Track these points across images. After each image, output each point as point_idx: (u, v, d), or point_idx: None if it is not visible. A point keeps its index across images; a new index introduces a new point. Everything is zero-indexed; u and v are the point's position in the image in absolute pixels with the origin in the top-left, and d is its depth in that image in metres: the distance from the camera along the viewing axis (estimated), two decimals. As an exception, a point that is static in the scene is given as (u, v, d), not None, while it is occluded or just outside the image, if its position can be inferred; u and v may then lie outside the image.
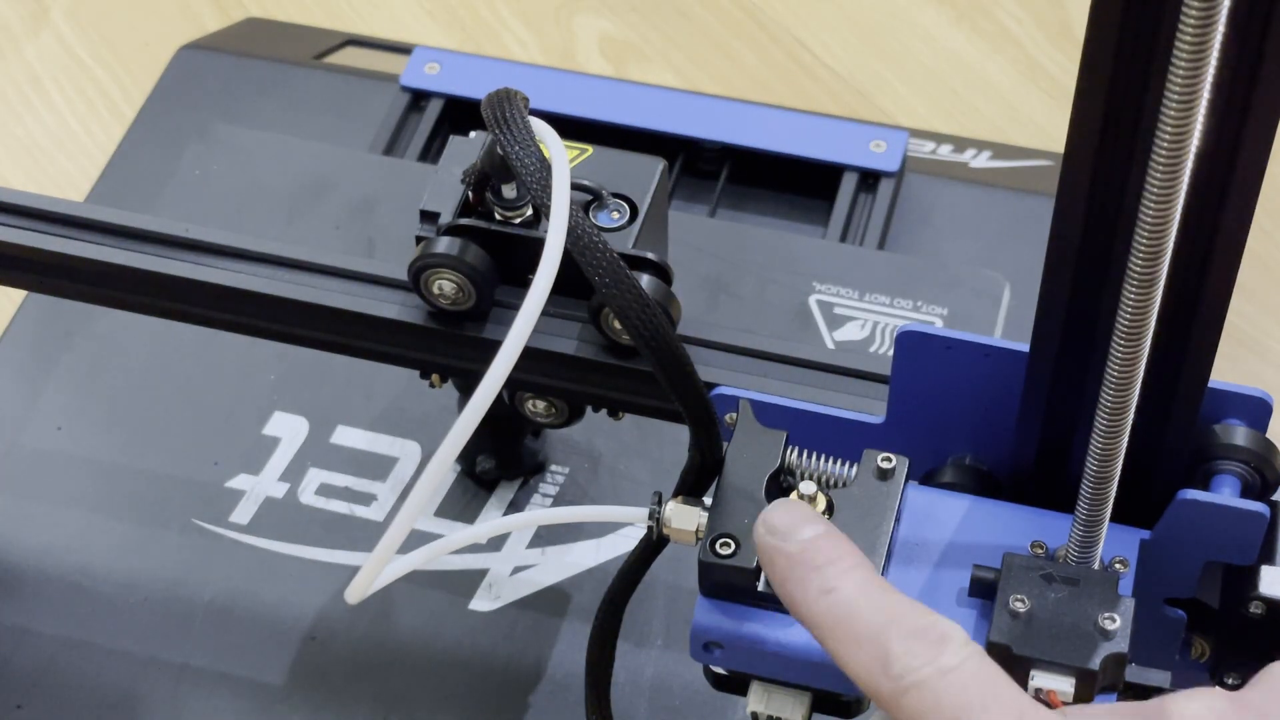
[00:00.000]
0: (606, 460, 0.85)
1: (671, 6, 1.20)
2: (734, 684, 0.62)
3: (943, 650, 0.51)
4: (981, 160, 1.04)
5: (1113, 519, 0.58)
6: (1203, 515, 0.59)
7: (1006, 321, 0.90)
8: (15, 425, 0.87)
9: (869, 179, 0.98)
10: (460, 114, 1.00)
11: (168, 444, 0.86)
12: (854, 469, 0.60)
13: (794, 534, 0.55)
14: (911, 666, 0.51)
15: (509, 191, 0.71)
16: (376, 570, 0.62)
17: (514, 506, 0.84)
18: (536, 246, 0.70)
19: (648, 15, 1.19)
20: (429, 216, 0.71)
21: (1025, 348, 0.60)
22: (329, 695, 0.79)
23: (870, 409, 0.66)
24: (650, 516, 0.62)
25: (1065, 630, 0.55)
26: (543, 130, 0.64)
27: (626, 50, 1.17)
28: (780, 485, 0.60)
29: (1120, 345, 0.52)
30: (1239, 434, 0.61)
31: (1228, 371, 0.62)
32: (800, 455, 0.60)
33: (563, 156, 0.63)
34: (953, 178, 1.01)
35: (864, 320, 0.90)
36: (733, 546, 0.58)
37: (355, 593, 0.63)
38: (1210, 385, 0.60)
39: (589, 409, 0.75)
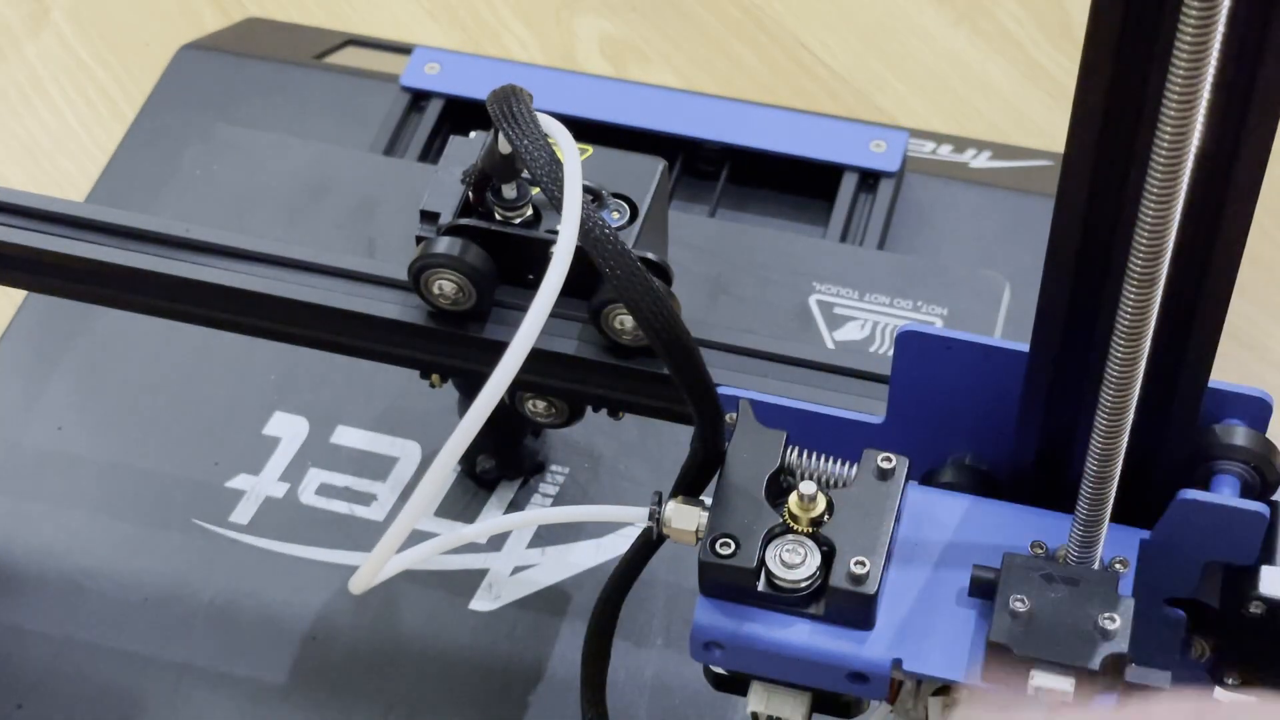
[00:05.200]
0: (606, 460, 0.85)
1: (672, 7, 1.20)
2: (734, 684, 0.62)
3: None
4: (981, 160, 1.04)
5: (1113, 519, 0.58)
6: (1203, 515, 0.59)
7: (1006, 321, 0.90)
8: (15, 425, 0.87)
9: (869, 179, 0.98)
10: (460, 114, 1.00)
11: (168, 444, 0.86)
12: (854, 469, 0.60)
13: None
14: None
15: (509, 191, 0.71)
16: (383, 560, 0.62)
17: (514, 506, 0.84)
18: (537, 246, 0.71)
19: (648, 15, 1.19)
20: (429, 216, 0.71)
21: (1025, 348, 0.60)
22: (329, 695, 0.79)
23: (870, 409, 0.66)
24: (650, 516, 0.62)
25: (1065, 630, 0.55)
26: (550, 125, 0.64)
27: (627, 50, 1.17)
28: (780, 485, 0.60)
29: (1120, 345, 0.52)
30: (1239, 434, 0.61)
31: (1228, 371, 0.62)
32: (800, 455, 0.60)
33: (573, 150, 0.63)
34: (953, 178, 1.01)
35: (864, 320, 0.90)
36: (733, 546, 0.58)
37: (359, 583, 0.63)
38: (1210, 385, 0.60)
39: (589, 409, 0.75)
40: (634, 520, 0.64)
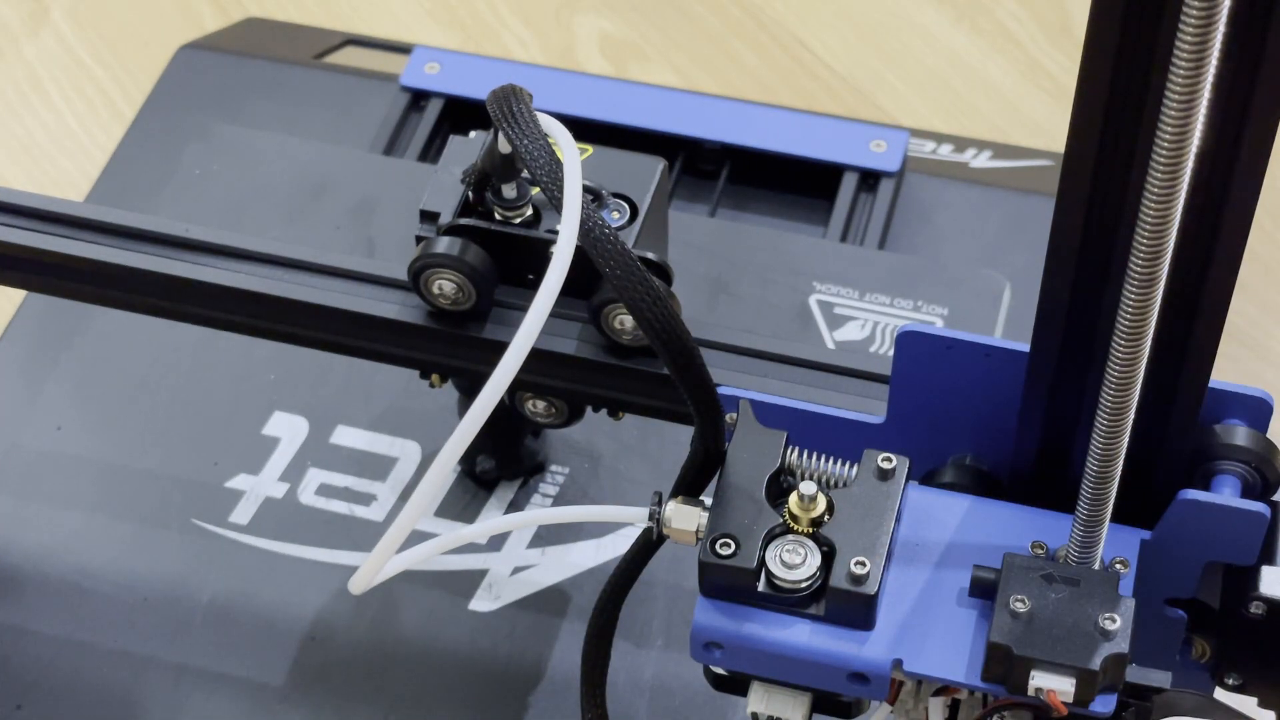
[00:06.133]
0: (606, 460, 0.85)
1: (672, 6, 1.20)
2: (734, 684, 0.62)
3: None
4: (981, 160, 1.04)
5: (1113, 519, 0.58)
6: (1203, 515, 0.59)
7: (1006, 321, 0.91)
8: (15, 425, 0.87)
9: (869, 179, 0.98)
10: (460, 114, 1.00)
11: (168, 444, 0.86)
12: (854, 469, 0.60)
13: None
14: None
15: (509, 191, 0.71)
16: (382, 560, 0.62)
17: (514, 506, 0.84)
18: (537, 246, 0.71)
19: (648, 15, 1.19)
20: (429, 216, 0.71)
21: (1025, 348, 0.60)
22: (329, 695, 0.79)
23: (870, 409, 0.66)
24: (650, 516, 0.61)
25: (1066, 630, 0.55)
26: (550, 125, 0.64)
27: (627, 50, 1.17)
28: (780, 485, 0.60)
29: (1120, 345, 0.52)
30: (1239, 434, 0.61)
31: (1228, 371, 0.62)
32: (800, 455, 0.60)
33: (573, 150, 0.63)
34: (953, 178, 1.01)
35: (864, 320, 0.90)
36: (733, 546, 0.58)
37: (359, 583, 0.63)
38: (1210, 385, 0.60)
39: (589, 409, 0.75)
40: (634, 520, 0.64)
